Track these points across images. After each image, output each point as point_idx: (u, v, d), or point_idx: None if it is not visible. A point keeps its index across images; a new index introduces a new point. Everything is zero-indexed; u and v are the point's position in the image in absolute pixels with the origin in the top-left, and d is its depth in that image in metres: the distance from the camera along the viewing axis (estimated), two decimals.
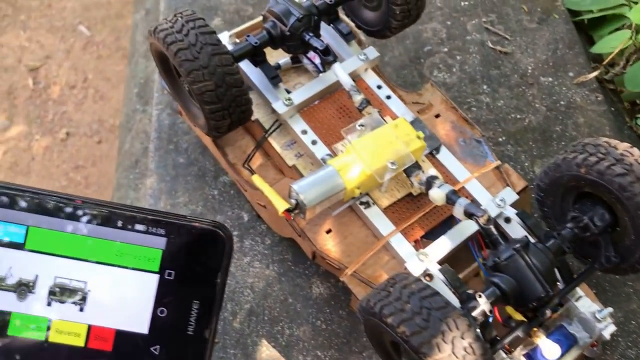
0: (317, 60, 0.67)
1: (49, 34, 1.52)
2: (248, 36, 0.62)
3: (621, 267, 0.56)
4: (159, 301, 0.36)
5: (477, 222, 0.53)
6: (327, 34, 0.68)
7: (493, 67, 0.84)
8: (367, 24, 0.69)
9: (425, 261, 0.55)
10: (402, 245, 0.57)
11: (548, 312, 0.51)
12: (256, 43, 0.62)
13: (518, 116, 0.79)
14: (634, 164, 0.51)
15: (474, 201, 0.59)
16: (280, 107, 0.63)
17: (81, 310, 0.35)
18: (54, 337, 0.35)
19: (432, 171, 0.58)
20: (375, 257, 0.58)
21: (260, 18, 0.69)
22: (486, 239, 0.54)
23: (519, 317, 0.52)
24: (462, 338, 0.43)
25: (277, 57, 0.70)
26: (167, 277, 0.36)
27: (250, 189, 0.65)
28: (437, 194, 0.55)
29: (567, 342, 0.54)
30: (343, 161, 0.56)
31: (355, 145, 0.56)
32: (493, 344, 0.50)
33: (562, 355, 0.53)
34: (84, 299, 0.35)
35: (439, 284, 0.53)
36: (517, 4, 0.91)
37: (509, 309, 0.53)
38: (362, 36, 0.72)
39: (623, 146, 0.52)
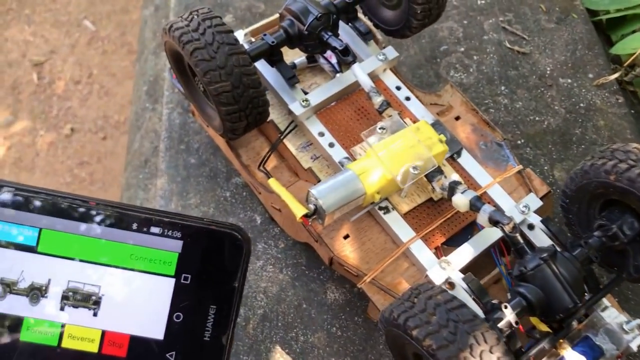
0: (334, 60, 0.66)
1: (54, 28, 1.50)
2: (264, 35, 0.60)
3: None
4: (174, 306, 0.35)
5: (502, 229, 0.51)
6: (344, 33, 0.66)
7: (511, 68, 0.82)
8: (385, 23, 0.67)
9: (447, 269, 0.53)
10: (422, 252, 0.55)
11: (575, 323, 0.50)
12: (273, 42, 0.60)
13: (537, 118, 0.77)
14: None
15: (496, 207, 0.57)
16: (297, 108, 0.61)
17: (95, 315, 0.34)
18: (67, 343, 0.34)
19: (454, 176, 0.56)
20: (394, 263, 0.56)
21: (275, 16, 0.67)
22: (511, 247, 0.52)
23: (544, 328, 0.51)
24: (491, 352, 0.41)
25: (292, 56, 0.68)
26: (183, 281, 0.35)
27: (264, 192, 0.64)
28: (461, 200, 0.53)
29: (593, 354, 0.52)
30: (363, 165, 0.54)
31: (376, 149, 0.55)
32: (518, 356, 0.49)
33: None
34: (97, 303, 0.34)
35: (461, 292, 0.52)
36: (535, 3, 0.89)
37: (534, 320, 0.51)
38: (379, 35, 0.71)
39: None
